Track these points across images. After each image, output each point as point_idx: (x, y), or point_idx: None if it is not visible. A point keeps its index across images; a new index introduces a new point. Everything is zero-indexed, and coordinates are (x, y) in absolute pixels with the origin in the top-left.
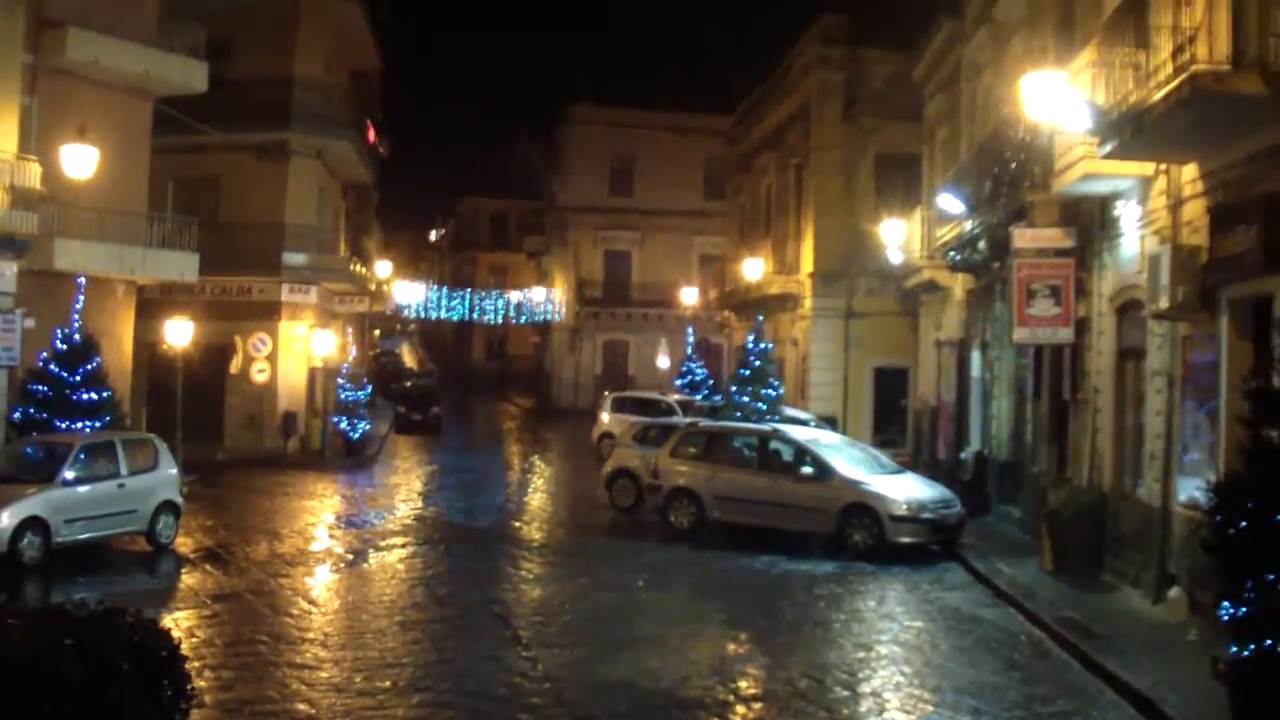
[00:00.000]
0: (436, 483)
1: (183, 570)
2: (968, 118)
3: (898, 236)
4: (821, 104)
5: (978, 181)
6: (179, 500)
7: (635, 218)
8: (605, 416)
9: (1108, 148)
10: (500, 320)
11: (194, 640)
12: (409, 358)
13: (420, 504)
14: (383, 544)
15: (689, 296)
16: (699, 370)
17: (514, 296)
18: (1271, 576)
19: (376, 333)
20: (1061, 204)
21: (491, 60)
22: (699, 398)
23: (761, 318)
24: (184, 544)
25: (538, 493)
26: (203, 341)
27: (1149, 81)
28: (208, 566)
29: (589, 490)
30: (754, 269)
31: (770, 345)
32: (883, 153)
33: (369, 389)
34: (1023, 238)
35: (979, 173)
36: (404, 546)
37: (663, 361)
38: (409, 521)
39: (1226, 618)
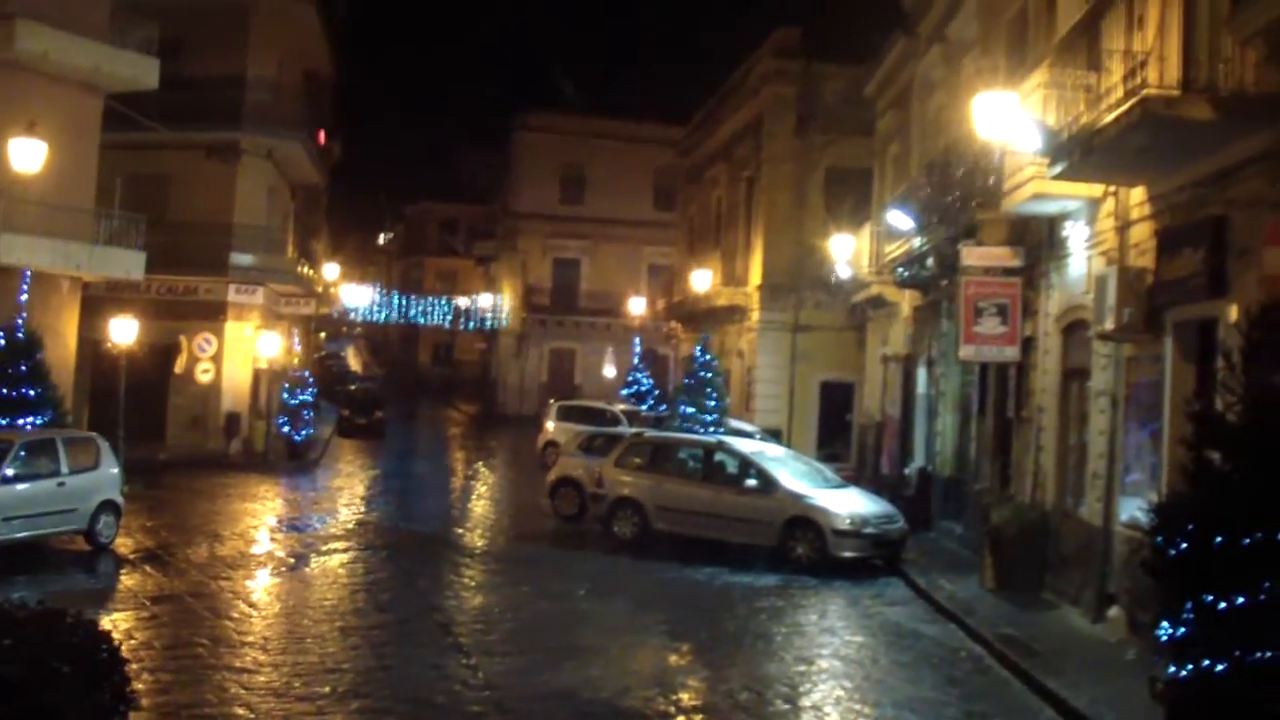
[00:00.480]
0: (379, 487)
1: (122, 571)
2: (919, 135)
3: (847, 251)
4: (774, 117)
5: (927, 199)
6: (119, 500)
7: (585, 226)
8: (550, 424)
9: (1057, 169)
10: (448, 325)
11: (132, 642)
12: (355, 361)
13: (363, 509)
14: (324, 548)
15: (637, 306)
16: (645, 380)
17: (462, 302)
18: (1210, 598)
19: (322, 335)
20: (1010, 223)
21: (446, 66)
22: (645, 408)
23: (709, 330)
24: (124, 544)
25: (481, 500)
26: (147, 340)
27: (1100, 104)
28: (147, 568)
29: (533, 498)
30: (702, 280)
31: (717, 357)
32: (834, 167)
33: (313, 392)
34: (971, 255)
35: (929, 190)
36: (346, 551)
37: (609, 371)
38: (351, 526)
39: (1165, 638)
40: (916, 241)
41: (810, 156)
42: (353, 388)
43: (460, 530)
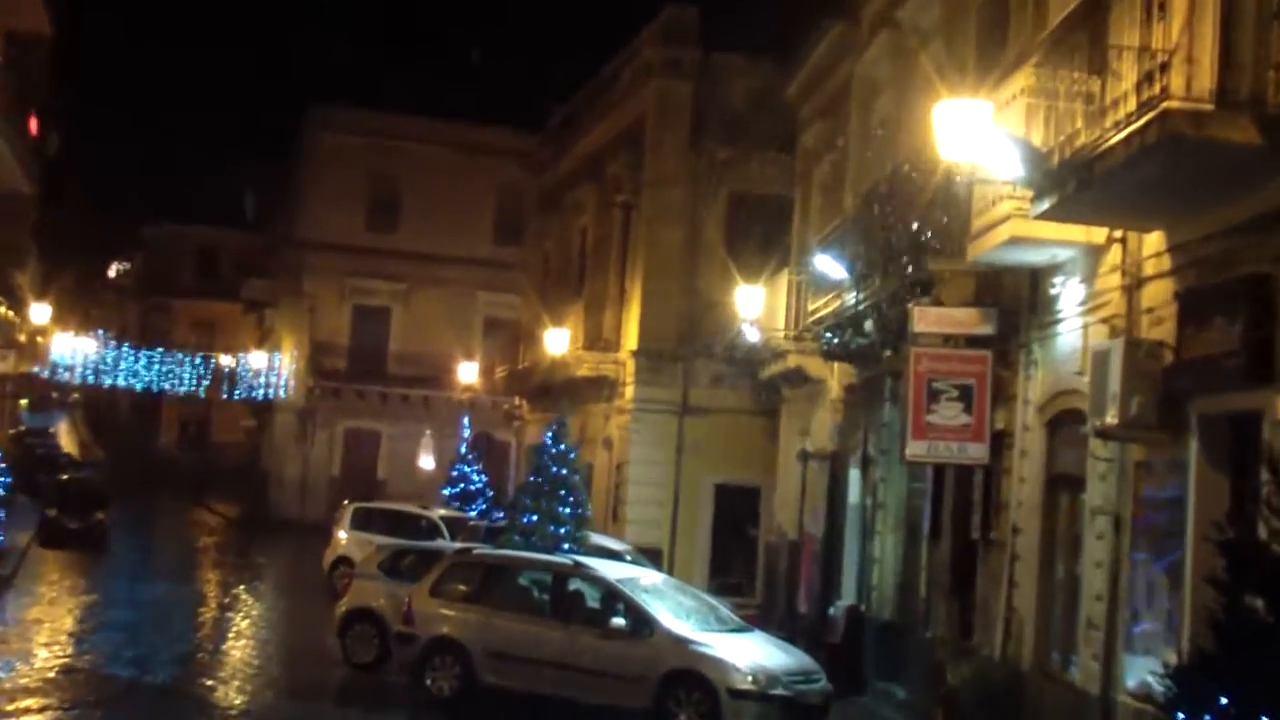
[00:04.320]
0: (96, 619)
1: None
2: (857, 153)
3: (755, 308)
4: (661, 123)
5: (867, 240)
6: None
7: (399, 264)
8: (343, 535)
9: (1044, 205)
10: (203, 394)
11: None
12: (68, 440)
13: (71, 649)
14: (9, 708)
15: (468, 374)
16: (476, 477)
17: (224, 361)
18: None
19: (23, 403)
20: (979, 277)
21: (218, 35)
22: (474, 514)
23: (565, 410)
24: None
25: (242, 638)
26: None
27: (1104, 119)
28: None
29: (315, 637)
30: (558, 342)
31: (576, 447)
32: (740, 193)
33: (5, 483)
34: (924, 319)
35: (869, 228)
36: (41, 712)
37: (426, 462)
38: (53, 675)
39: None
40: (851, 298)
41: (708, 177)
42: (64, 478)
43: (209, 681)
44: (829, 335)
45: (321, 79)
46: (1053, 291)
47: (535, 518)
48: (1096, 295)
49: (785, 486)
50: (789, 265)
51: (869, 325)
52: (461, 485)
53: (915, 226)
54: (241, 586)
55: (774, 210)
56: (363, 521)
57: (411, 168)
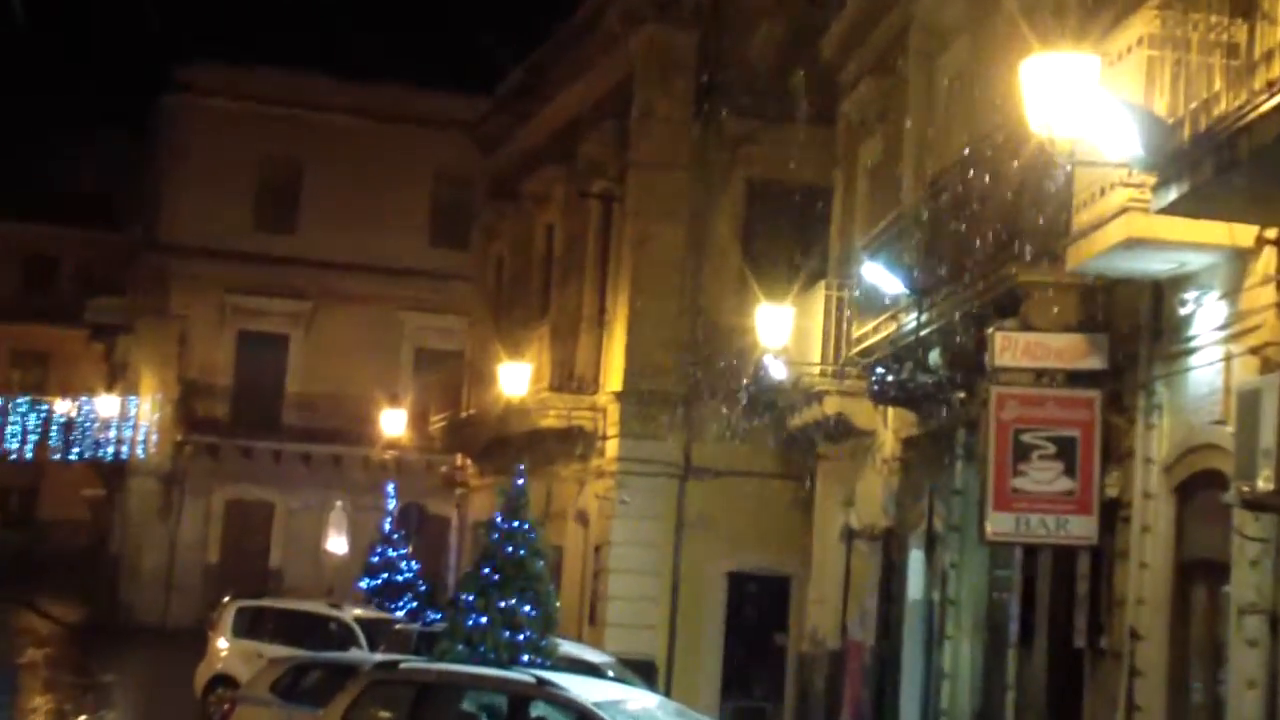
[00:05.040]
0: None
1: None
2: (917, 126)
3: (782, 334)
4: (653, 86)
5: (932, 242)
6: None
7: (299, 275)
8: (223, 644)
9: (1171, 194)
10: (30, 453)
11: None
12: None
13: None
14: None
15: (393, 425)
16: (406, 565)
17: (61, 408)
18: None
19: None
20: (1083, 292)
21: None
22: (402, 614)
23: (525, 473)
24: None
25: None
26: None
27: (1252, 78)
28: None
29: None
30: (515, 380)
31: (539, 524)
32: (760, 179)
33: None
34: (1010, 348)
35: (935, 227)
36: None
37: (337, 545)
38: None
39: None
40: (910, 320)
41: (717, 159)
42: None
43: None
44: (881, 371)
45: (193, 28)
46: (1183, 311)
47: (485, 619)
48: (1242, 316)
49: (823, 576)
50: (826, 277)
51: (935, 357)
52: (385, 575)
53: (997, 225)
54: (83, 718)
55: (806, 203)
56: (250, 625)
57: (316, 146)
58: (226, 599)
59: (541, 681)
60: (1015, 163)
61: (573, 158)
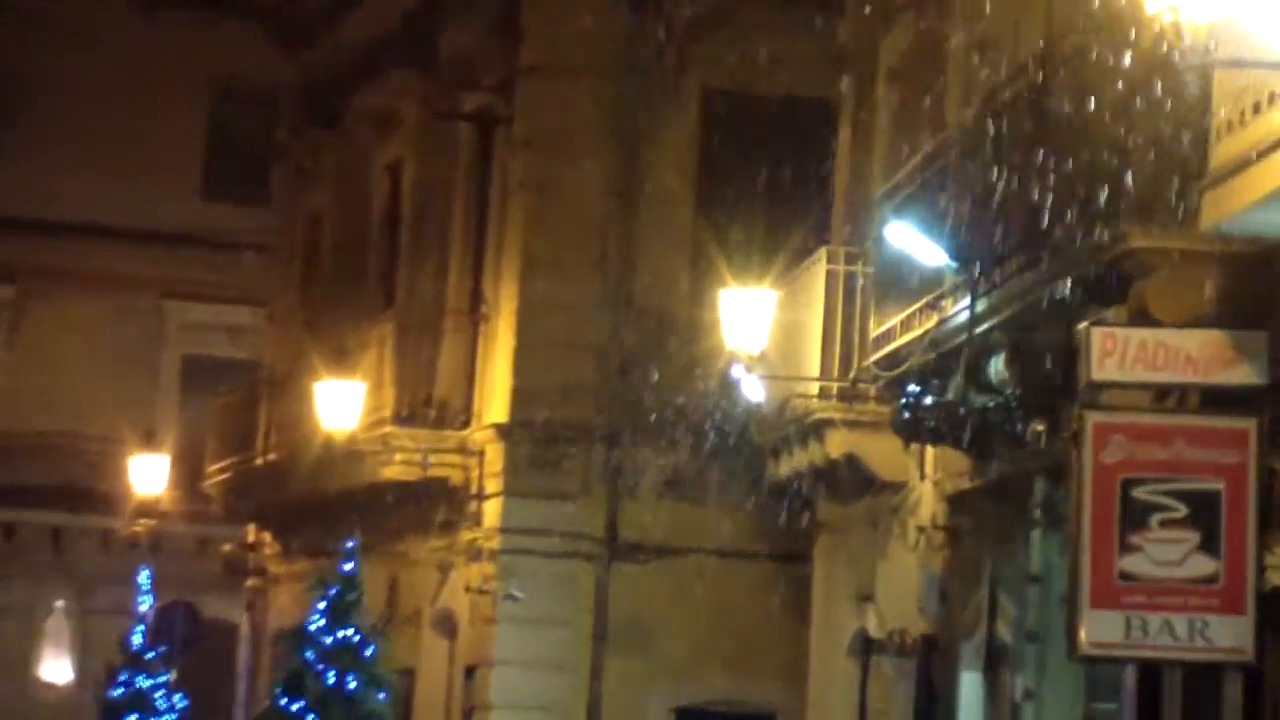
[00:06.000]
0: None
1: None
2: (969, 8)
3: (758, 331)
4: None
5: (990, 189)
6: None
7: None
8: None
9: None
10: None
11: None
12: None
13: None
14: None
15: (147, 478)
16: (166, 699)
17: None
18: None
19: None
20: (1224, 264)
21: None
22: None
23: (356, 551)
24: None
25: None
26: None
27: None
28: None
29: None
30: (341, 407)
31: (378, 632)
32: (726, 94)
33: None
34: (1114, 351)
35: (995, 165)
36: None
37: (56, 670)
38: None
39: None
40: (959, 310)
41: (659, 61)
42: None
43: None
44: (914, 390)
45: None
46: None
47: None
48: None
49: (825, 710)
50: (828, 244)
51: (998, 368)
52: (135, 716)
53: (1089, 160)
54: None
55: (795, 129)
56: None
57: (29, 46)
58: None
59: None
60: (1117, 67)
61: (432, 57)
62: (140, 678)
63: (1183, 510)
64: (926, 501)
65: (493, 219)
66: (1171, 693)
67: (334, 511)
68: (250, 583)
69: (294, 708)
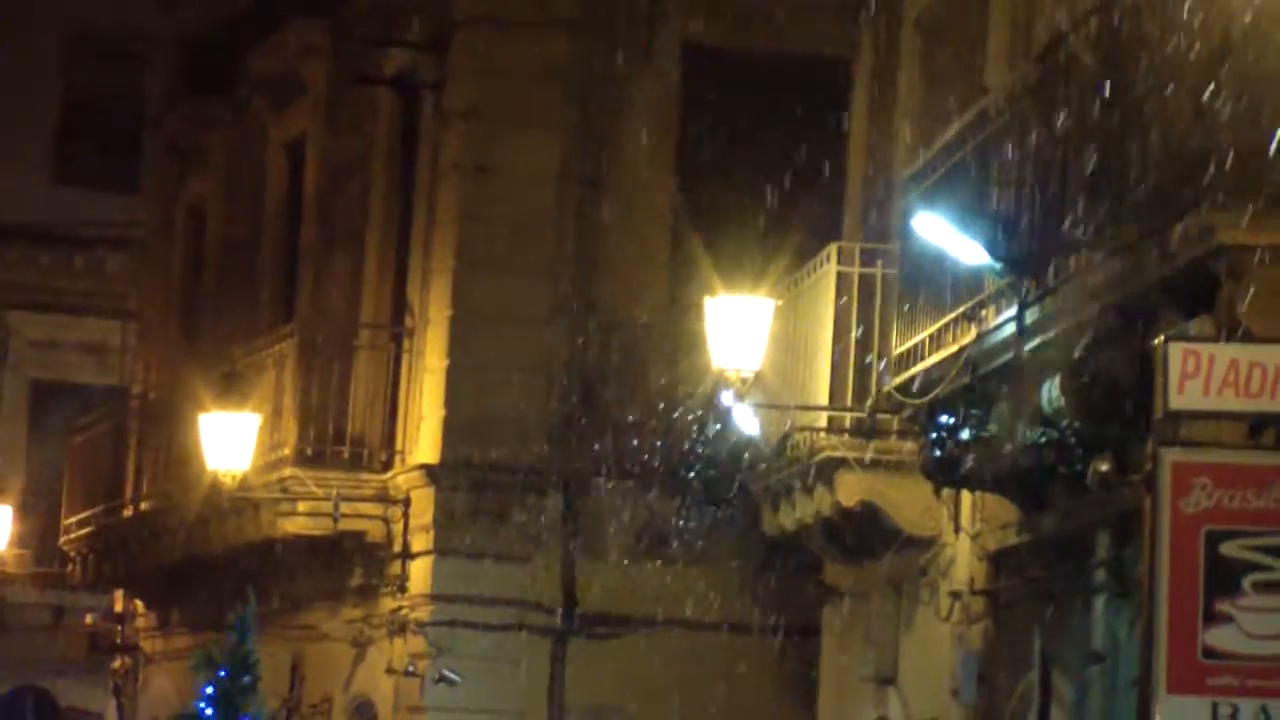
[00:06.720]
0: None
1: None
2: None
3: (753, 349)
4: None
5: (1043, 169)
6: None
7: None
8: None
9: None
10: None
11: None
12: None
13: None
14: None
15: None
16: None
17: None
18: None
19: None
20: None
21: None
22: None
23: (251, 623)
24: None
25: None
26: None
27: None
28: None
29: None
30: (230, 445)
31: None
32: (712, 50)
33: None
34: (1197, 372)
35: (1048, 140)
36: None
37: None
38: None
39: None
40: (1003, 320)
41: (627, 10)
42: None
43: None
44: (947, 421)
45: None
46: None
47: None
48: None
49: None
50: (840, 239)
51: (1050, 394)
52: None
53: (1163, 135)
54: None
55: (800, 95)
56: None
57: None
58: None
59: None
60: (1201, 24)
61: (344, 7)
62: None
63: None
64: (963, 561)
65: (419, 209)
66: None
67: (223, 575)
68: (118, 663)
69: None
